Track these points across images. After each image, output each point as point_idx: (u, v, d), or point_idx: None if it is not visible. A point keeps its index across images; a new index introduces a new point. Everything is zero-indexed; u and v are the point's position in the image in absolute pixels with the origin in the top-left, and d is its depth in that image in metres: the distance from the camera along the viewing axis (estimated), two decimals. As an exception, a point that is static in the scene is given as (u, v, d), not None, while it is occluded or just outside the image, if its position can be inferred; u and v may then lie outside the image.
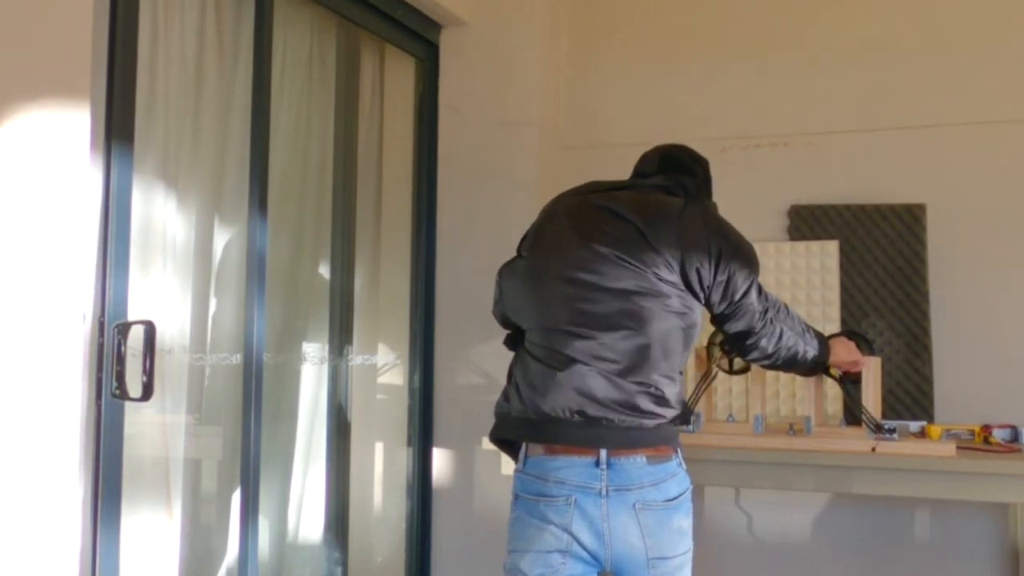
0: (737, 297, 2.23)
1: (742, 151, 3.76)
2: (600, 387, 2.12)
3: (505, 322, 2.40)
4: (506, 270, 2.37)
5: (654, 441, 2.14)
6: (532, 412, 2.16)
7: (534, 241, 2.29)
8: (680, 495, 2.16)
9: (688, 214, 2.23)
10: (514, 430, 2.23)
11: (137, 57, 2.37)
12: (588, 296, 2.16)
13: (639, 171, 2.44)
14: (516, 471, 2.20)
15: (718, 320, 2.31)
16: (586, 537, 2.08)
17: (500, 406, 2.28)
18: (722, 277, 2.20)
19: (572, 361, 2.13)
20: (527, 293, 2.26)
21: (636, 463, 2.11)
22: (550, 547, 2.09)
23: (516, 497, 2.18)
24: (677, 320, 2.17)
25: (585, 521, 2.08)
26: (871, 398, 2.85)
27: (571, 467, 2.10)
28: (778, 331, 2.33)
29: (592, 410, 2.12)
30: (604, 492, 2.08)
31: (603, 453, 2.09)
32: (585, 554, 2.10)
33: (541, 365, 2.17)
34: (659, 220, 2.20)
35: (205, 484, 2.77)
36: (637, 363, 2.14)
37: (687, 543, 2.17)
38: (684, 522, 2.16)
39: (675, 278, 2.17)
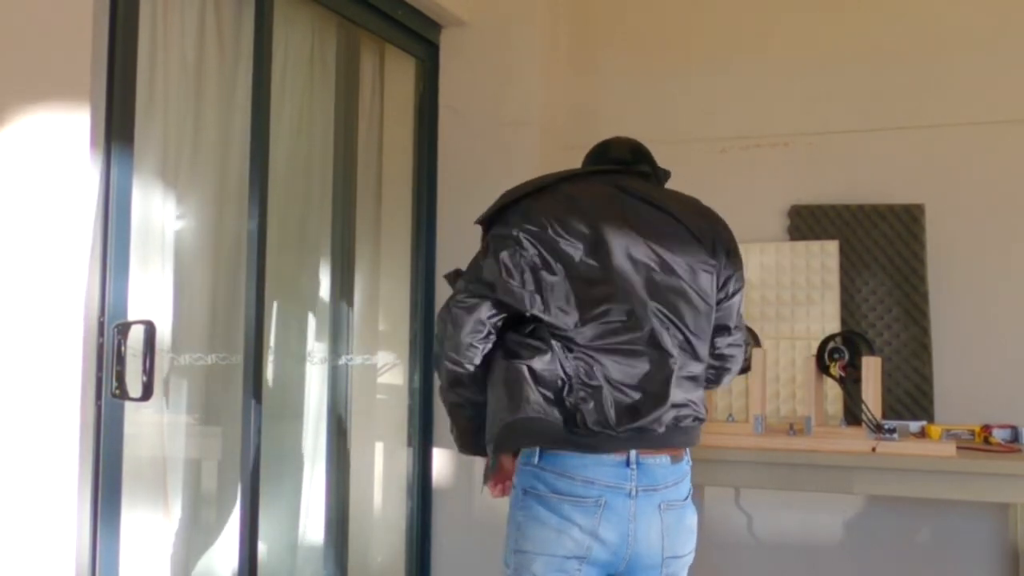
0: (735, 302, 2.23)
1: (742, 151, 3.76)
2: (672, 396, 2.02)
3: (501, 308, 2.05)
4: (542, 256, 2.03)
5: (685, 442, 2.10)
6: (583, 423, 1.99)
7: (572, 231, 2.04)
8: (690, 493, 2.13)
9: (706, 210, 2.22)
10: (555, 439, 2.02)
11: (137, 57, 2.37)
12: (658, 306, 2.04)
13: (617, 159, 2.27)
14: (526, 465, 2.04)
15: None
16: (612, 539, 1.99)
17: (533, 409, 2.00)
18: (729, 272, 2.18)
19: (652, 376, 2.01)
20: (590, 290, 2.03)
21: (661, 463, 2.04)
22: (569, 552, 1.98)
23: (526, 493, 2.03)
24: (710, 323, 2.13)
25: (612, 523, 1.99)
26: (871, 398, 2.86)
27: (600, 466, 2.00)
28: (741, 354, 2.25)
29: (649, 423, 2.01)
30: (634, 492, 2.00)
31: (633, 453, 2.01)
32: (604, 558, 2.00)
33: (615, 383, 2.00)
34: (697, 217, 2.16)
35: (205, 484, 2.77)
36: (695, 374, 2.08)
37: (694, 541, 2.14)
38: (694, 520, 2.13)
39: (713, 281, 2.12)
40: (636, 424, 1.99)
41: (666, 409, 2.01)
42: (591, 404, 1.98)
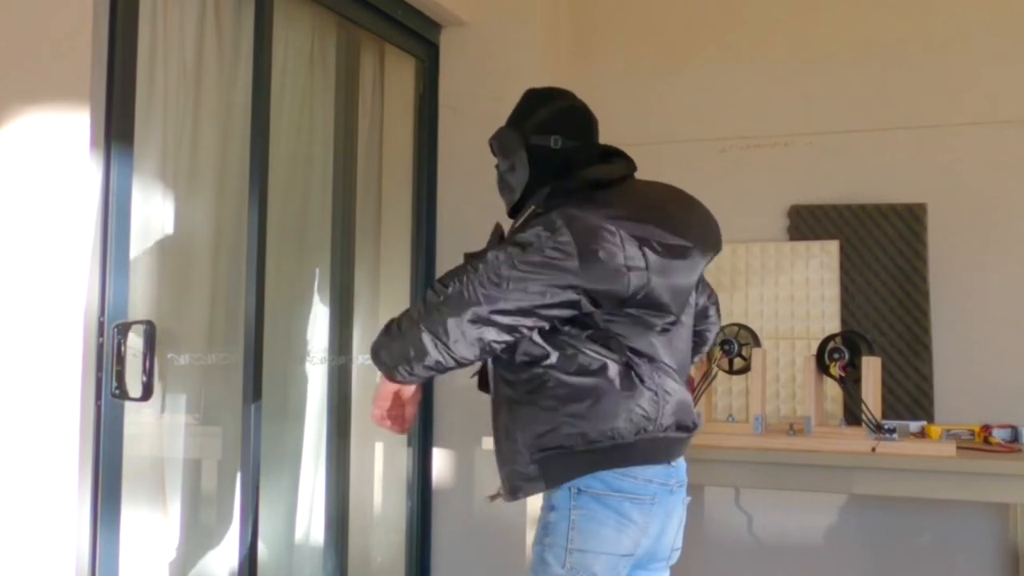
0: None
1: (742, 151, 3.76)
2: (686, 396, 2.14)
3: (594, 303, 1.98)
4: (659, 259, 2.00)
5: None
6: (650, 431, 2.03)
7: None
8: None
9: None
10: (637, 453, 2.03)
11: (137, 57, 2.37)
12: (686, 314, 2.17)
13: (602, 150, 2.25)
14: None
15: None
16: (653, 534, 2.04)
17: (626, 431, 2.00)
18: None
19: (670, 370, 2.09)
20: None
21: (683, 459, 2.14)
22: (625, 550, 2.00)
23: (580, 492, 2.00)
24: None
25: (657, 519, 2.03)
26: (871, 398, 2.86)
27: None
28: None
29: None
30: (674, 489, 2.07)
31: None
32: (641, 553, 2.05)
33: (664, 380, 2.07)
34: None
35: (205, 484, 2.77)
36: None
37: None
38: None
39: None
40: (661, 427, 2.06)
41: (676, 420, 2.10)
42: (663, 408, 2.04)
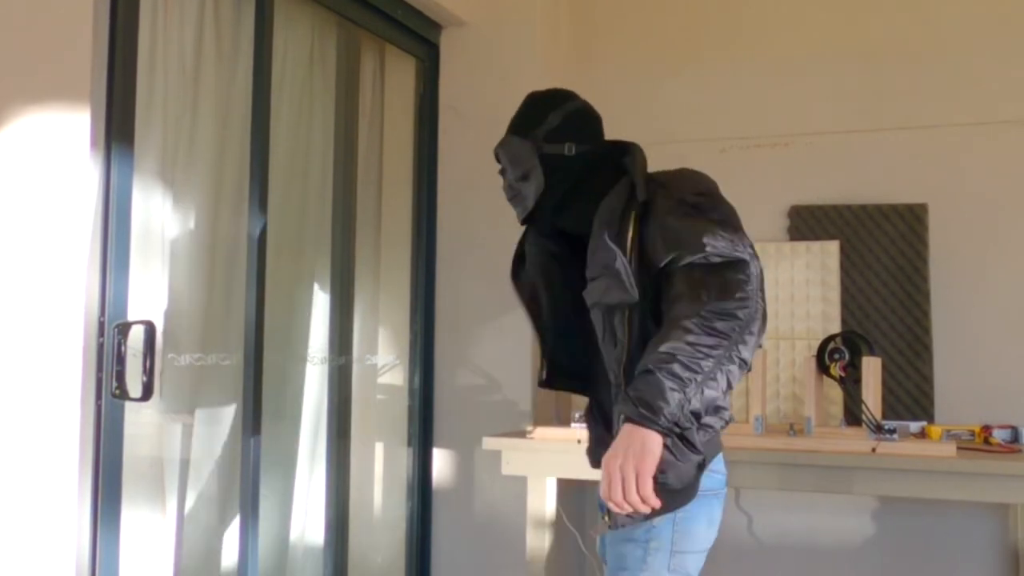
0: None
1: (742, 151, 3.76)
2: None
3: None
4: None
5: None
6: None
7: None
8: None
9: None
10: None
11: (137, 57, 2.37)
12: None
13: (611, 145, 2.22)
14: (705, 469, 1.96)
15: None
16: (716, 528, 2.05)
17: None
18: None
19: None
20: None
21: None
22: (708, 546, 2.02)
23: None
24: None
25: (720, 511, 2.04)
26: (871, 398, 2.86)
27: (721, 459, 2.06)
28: None
29: None
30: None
31: None
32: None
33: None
34: None
35: (205, 484, 2.76)
36: None
37: None
38: None
39: None
40: None
41: None
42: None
